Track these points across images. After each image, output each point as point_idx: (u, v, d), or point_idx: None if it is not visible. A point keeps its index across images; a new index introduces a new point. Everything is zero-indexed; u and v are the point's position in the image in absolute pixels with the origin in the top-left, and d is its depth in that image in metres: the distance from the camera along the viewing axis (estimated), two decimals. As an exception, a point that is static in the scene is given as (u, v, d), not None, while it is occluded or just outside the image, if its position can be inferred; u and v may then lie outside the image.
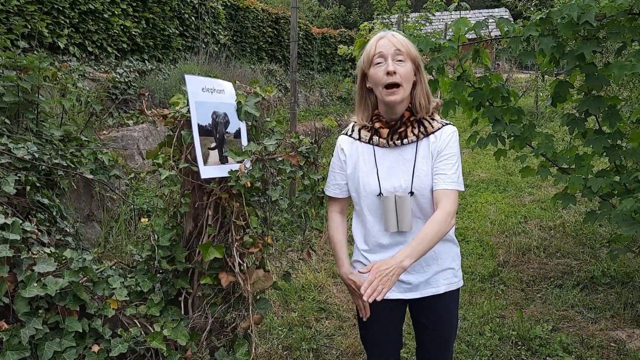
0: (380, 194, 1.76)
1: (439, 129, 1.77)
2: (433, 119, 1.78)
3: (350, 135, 1.86)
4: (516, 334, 3.07)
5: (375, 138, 1.79)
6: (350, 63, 11.91)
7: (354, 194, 1.85)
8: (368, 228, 1.82)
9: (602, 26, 2.87)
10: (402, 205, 1.72)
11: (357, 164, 1.82)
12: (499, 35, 3.20)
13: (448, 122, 1.80)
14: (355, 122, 1.87)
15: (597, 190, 3.09)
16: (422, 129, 1.76)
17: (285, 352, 2.96)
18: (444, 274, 1.83)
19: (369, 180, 1.78)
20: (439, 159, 1.74)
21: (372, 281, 1.53)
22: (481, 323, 3.23)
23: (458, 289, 1.89)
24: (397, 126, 1.76)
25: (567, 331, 3.14)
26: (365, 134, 1.82)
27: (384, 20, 8.71)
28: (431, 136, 1.76)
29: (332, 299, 3.61)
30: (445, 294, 1.83)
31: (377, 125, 1.78)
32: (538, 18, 2.87)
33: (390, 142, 1.76)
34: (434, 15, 8.79)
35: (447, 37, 3.22)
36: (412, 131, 1.75)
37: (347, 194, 1.88)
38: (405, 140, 1.75)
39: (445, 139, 1.75)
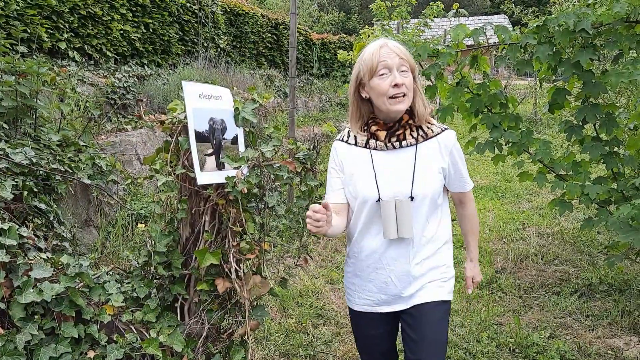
0: (379, 199, 1.70)
1: (439, 133, 1.76)
2: (431, 124, 1.78)
3: (346, 141, 1.81)
4: (514, 341, 3.07)
5: (372, 142, 1.74)
6: (349, 69, 11.95)
7: (352, 200, 1.77)
8: (365, 235, 1.78)
9: (599, 34, 2.88)
10: (402, 210, 1.67)
11: (354, 169, 1.76)
12: (497, 42, 3.21)
13: (446, 126, 1.81)
14: (350, 128, 1.83)
15: (594, 197, 3.09)
16: (421, 133, 1.74)
17: (282, 359, 2.96)
18: (432, 285, 1.76)
19: (367, 186, 1.72)
20: (454, 165, 1.78)
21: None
22: (479, 330, 3.23)
23: (446, 301, 1.80)
24: (395, 128, 1.73)
25: (564, 338, 3.14)
26: (361, 139, 1.77)
27: (384, 27, 8.74)
28: (432, 140, 1.75)
29: (329, 305, 3.61)
30: (433, 306, 1.75)
31: (373, 128, 1.74)
32: (535, 25, 2.88)
33: (389, 144, 1.72)
34: (432, 21, 8.84)
35: (446, 43, 3.23)
36: (411, 134, 1.73)
37: (347, 200, 1.81)
38: (404, 143, 1.73)
39: (454, 145, 1.78)
